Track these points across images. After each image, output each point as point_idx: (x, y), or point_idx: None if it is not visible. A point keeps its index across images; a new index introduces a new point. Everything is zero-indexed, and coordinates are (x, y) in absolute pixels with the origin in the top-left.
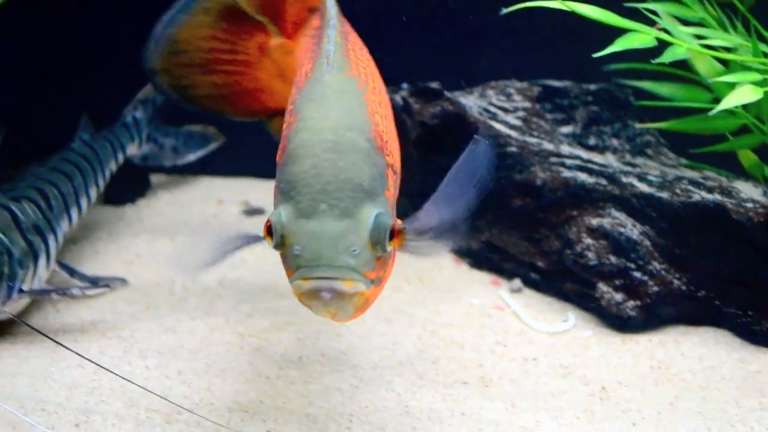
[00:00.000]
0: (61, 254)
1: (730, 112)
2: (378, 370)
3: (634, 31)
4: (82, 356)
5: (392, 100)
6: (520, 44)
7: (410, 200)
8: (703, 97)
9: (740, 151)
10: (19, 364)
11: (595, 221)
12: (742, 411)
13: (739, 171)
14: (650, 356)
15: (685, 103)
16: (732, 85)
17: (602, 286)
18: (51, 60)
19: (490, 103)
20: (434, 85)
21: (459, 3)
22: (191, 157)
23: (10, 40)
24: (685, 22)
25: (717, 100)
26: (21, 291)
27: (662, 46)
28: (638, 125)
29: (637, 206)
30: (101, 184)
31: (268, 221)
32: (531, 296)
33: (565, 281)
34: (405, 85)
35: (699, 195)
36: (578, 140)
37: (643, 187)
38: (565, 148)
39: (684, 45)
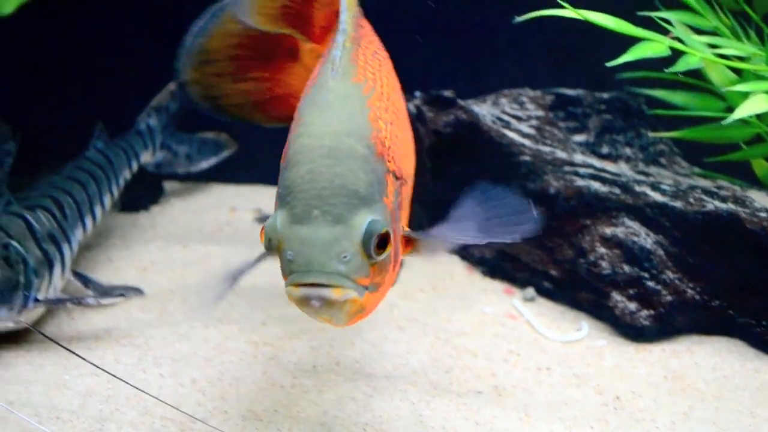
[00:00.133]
0: (75, 261)
1: (743, 122)
2: (392, 379)
3: (648, 40)
4: (95, 365)
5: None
6: (532, 52)
7: (423, 209)
8: (717, 106)
9: (754, 161)
10: (33, 372)
11: (608, 230)
12: (756, 421)
13: (753, 180)
14: (664, 366)
15: (699, 113)
16: (745, 95)
17: (616, 296)
18: (65, 67)
19: (503, 112)
20: (447, 93)
21: (472, 12)
22: (204, 164)
23: (25, 47)
24: (699, 31)
25: (730, 109)
26: (36, 300)
27: (675, 55)
28: (651, 134)
29: (650, 215)
30: (115, 192)
31: (263, 226)
32: (544, 305)
33: (578, 290)
34: (418, 94)
35: (713, 204)
36: (591, 149)
37: (656, 197)
38: (579, 157)
39: (698, 54)
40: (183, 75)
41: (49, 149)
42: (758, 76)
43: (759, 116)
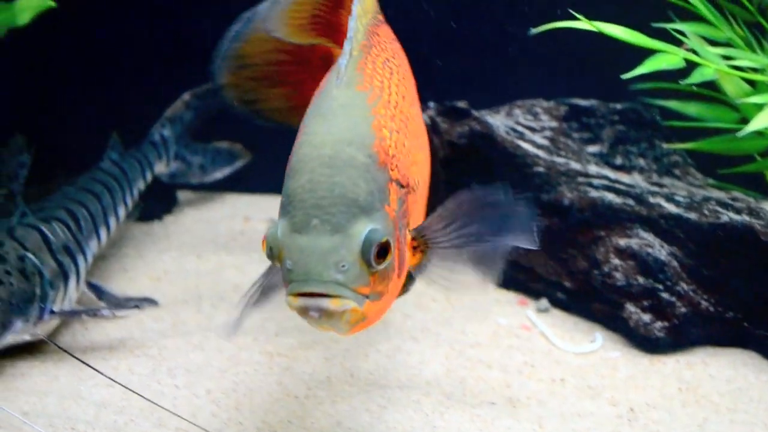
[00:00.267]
0: (89, 271)
1: (758, 133)
2: (405, 390)
3: (663, 52)
4: (110, 378)
5: None
6: (546, 63)
7: None
8: (730, 117)
9: None
10: (48, 383)
11: (622, 241)
12: None
13: (767, 192)
14: (678, 378)
15: (713, 124)
16: (760, 106)
17: (630, 307)
18: (81, 77)
19: (517, 123)
20: (461, 104)
21: (485, 22)
22: (218, 175)
23: (40, 58)
24: (713, 43)
25: (744, 120)
26: (52, 312)
27: (690, 65)
28: (666, 145)
29: (665, 227)
30: (129, 203)
31: (265, 235)
32: (558, 316)
33: (592, 301)
34: (432, 104)
35: (727, 216)
36: (605, 160)
37: (671, 208)
38: (593, 168)
39: (712, 66)
40: (218, 79)
41: (64, 159)
42: None
43: None
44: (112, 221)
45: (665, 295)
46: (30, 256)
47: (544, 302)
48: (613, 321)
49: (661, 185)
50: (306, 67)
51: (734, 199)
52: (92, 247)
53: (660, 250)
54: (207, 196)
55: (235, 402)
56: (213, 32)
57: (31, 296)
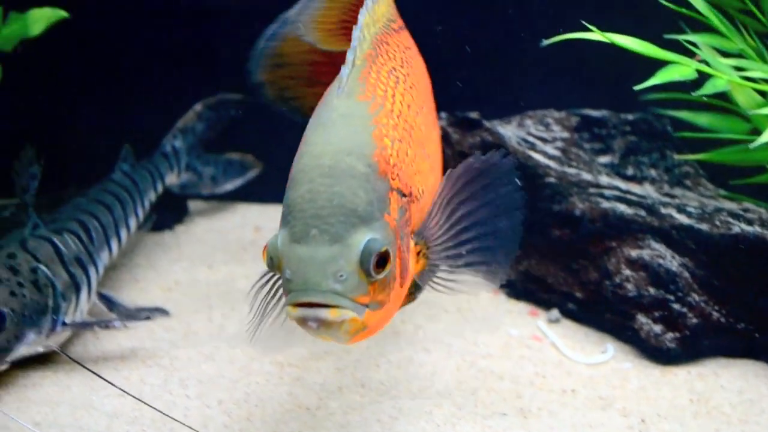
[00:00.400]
0: (100, 282)
1: None
2: (417, 400)
3: (675, 63)
4: (122, 390)
5: None
6: (557, 73)
7: None
8: (742, 127)
9: None
10: (60, 393)
11: (634, 252)
12: None
13: None
14: (689, 389)
15: (724, 135)
16: None
17: (641, 318)
18: (93, 87)
19: (529, 133)
20: (473, 115)
21: (497, 33)
22: (229, 186)
23: (53, 69)
24: (725, 54)
25: (756, 131)
26: (64, 324)
27: (701, 76)
28: (677, 156)
29: (676, 238)
30: (140, 214)
31: (266, 244)
32: (569, 327)
33: (603, 312)
34: (444, 115)
35: (739, 227)
36: (616, 170)
37: (682, 219)
38: (604, 179)
39: (724, 77)
40: (255, 76)
41: (76, 169)
42: None
43: None
44: (123, 233)
45: (676, 306)
46: (42, 267)
47: (555, 313)
48: (624, 332)
49: (672, 196)
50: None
51: (746, 210)
52: (103, 259)
53: (671, 261)
54: (218, 206)
55: (247, 413)
56: (227, 43)
57: (43, 308)
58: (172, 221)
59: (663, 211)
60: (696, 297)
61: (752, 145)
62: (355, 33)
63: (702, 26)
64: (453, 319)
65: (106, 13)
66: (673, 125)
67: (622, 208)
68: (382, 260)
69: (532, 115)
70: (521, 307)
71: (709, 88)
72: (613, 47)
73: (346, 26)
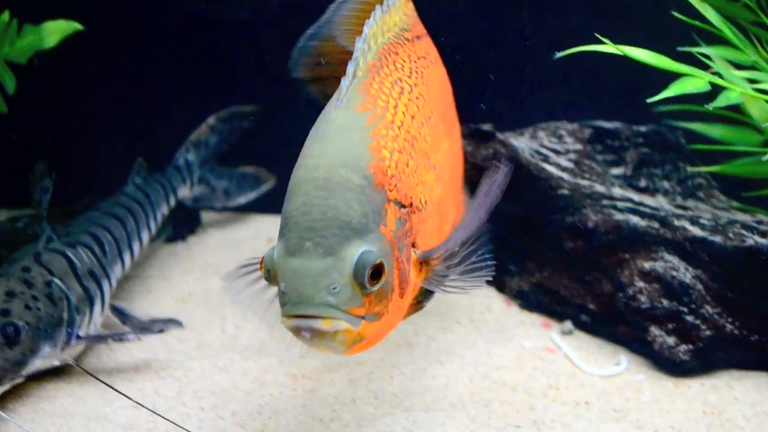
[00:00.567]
0: (113, 293)
1: None
2: (431, 412)
3: (688, 75)
4: (136, 402)
5: None
6: (570, 85)
7: None
8: (755, 139)
9: None
10: (74, 404)
11: (647, 264)
12: None
13: None
14: (703, 401)
15: (737, 147)
16: None
17: (654, 330)
18: (106, 99)
19: (542, 145)
20: (486, 127)
21: (508, 45)
22: (242, 199)
23: (66, 81)
24: (738, 66)
25: None
26: (78, 337)
27: (714, 88)
28: (690, 169)
29: (689, 250)
30: (153, 227)
31: (263, 257)
32: (582, 339)
33: (616, 324)
34: None
35: (752, 239)
36: (629, 182)
37: (695, 231)
38: (617, 191)
39: (737, 89)
40: (296, 73)
41: (90, 181)
42: None
43: None
44: (136, 246)
45: (690, 318)
46: (56, 281)
47: (568, 324)
48: (637, 344)
49: (685, 208)
50: None
51: (759, 222)
52: (116, 272)
53: (685, 273)
54: (231, 216)
55: (261, 425)
56: (241, 54)
57: (58, 321)
58: (185, 232)
59: (676, 223)
60: (709, 309)
61: (765, 158)
62: (358, 44)
63: (715, 38)
64: (466, 331)
65: (121, 25)
66: (686, 137)
67: (635, 220)
68: (377, 272)
69: (545, 126)
70: (534, 319)
71: (722, 101)
72: (626, 59)
73: None
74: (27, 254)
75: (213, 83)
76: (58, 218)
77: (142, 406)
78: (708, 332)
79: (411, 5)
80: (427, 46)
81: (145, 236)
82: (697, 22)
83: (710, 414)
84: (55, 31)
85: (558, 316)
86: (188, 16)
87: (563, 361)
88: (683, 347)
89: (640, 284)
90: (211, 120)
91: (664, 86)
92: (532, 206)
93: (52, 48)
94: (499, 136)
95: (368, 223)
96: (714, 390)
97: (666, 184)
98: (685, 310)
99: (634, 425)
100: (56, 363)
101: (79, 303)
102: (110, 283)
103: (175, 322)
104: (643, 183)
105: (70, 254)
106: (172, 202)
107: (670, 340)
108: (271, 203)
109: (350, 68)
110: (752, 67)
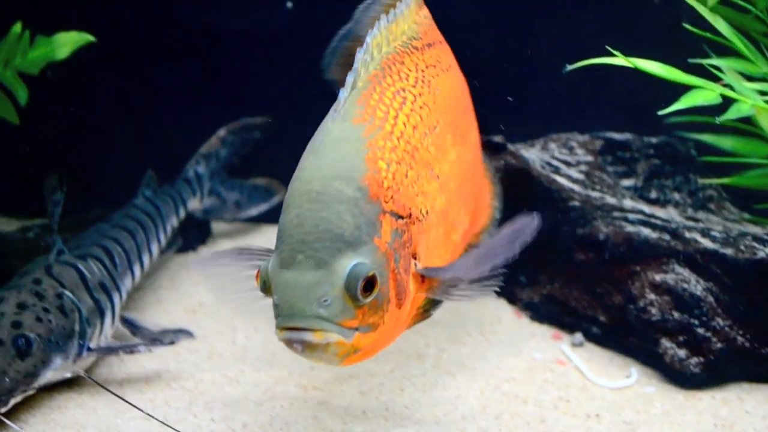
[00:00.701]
0: (124, 305)
1: None
2: (441, 425)
3: (699, 87)
4: (147, 414)
5: None
6: (580, 96)
7: None
8: (766, 151)
9: None
10: (86, 415)
11: (658, 277)
12: None
13: None
14: (714, 414)
15: (748, 159)
16: None
17: (665, 342)
18: (117, 111)
19: (553, 157)
20: (497, 138)
21: (518, 56)
22: (253, 211)
23: (77, 93)
24: (749, 78)
25: None
26: (89, 349)
27: (725, 100)
28: (701, 180)
29: (700, 262)
30: (163, 240)
31: (258, 268)
32: (593, 351)
33: (627, 336)
34: None
35: (764, 252)
36: (639, 193)
37: (707, 243)
38: (628, 203)
39: (748, 101)
40: (329, 73)
41: (101, 191)
42: None
43: None
44: (146, 258)
45: (701, 331)
46: (67, 293)
47: (578, 336)
48: (648, 356)
49: (696, 220)
50: None
51: None
52: (126, 284)
53: (696, 285)
54: (242, 227)
55: None
56: (252, 67)
57: (69, 333)
58: (196, 243)
59: (687, 235)
60: (720, 321)
61: None
62: (359, 55)
63: (726, 50)
64: (477, 342)
65: (132, 36)
66: (697, 149)
67: (646, 232)
68: (369, 284)
69: (555, 138)
70: (545, 331)
71: (733, 113)
72: (636, 71)
73: None
74: (38, 266)
75: (224, 95)
76: (71, 228)
77: (153, 417)
78: (719, 345)
79: (424, 12)
80: (438, 54)
81: (155, 248)
82: (708, 34)
83: (721, 427)
84: (67, 42)
85: (569, 327)
86: (201, 27)
87: (574, 374)
88: (694, 360)
89: (651, 296)
90: (222, 132)
91: (675, 97)
92: (542, 218)
93: (64, 59)
94: (510, 147)
95: (361, 236)
96: (725, 403)
97: (677, 196)
98: (696, 322)
99: None
100: (68, 375)
101: (90, 315)
102: (120, 296)
103: (185, 333)
104: (653, 194)
105: (80, 266)
106: (182, 214)
107: (681, 353)
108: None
109: (349, 79)
110: (763, 79)
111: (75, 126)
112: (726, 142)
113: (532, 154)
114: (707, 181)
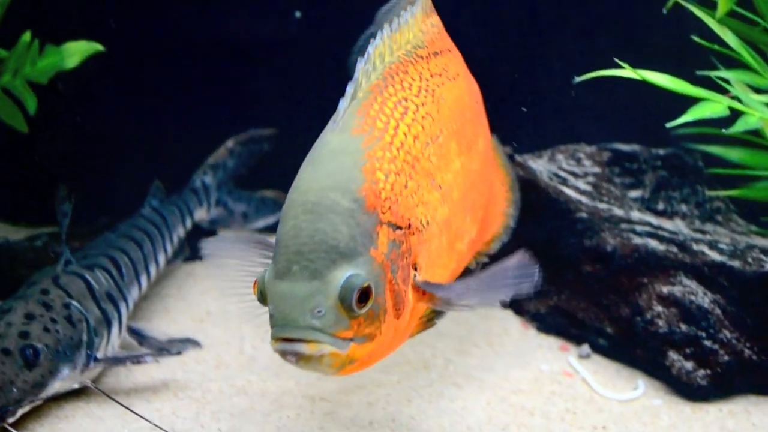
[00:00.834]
0: (130, 315)
1: None
2: None
3: (707, 100)
4: (155, 424)
5: None
6: (588, 107)
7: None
8: None
9: None
10: (93, 425)
11: (665, 289)
12: None
13: None
14: (721, 426)
15: (756, 171)
16: None
17: (672, 354)
18: (125, 120)
19: (560, 168)
20: (506, 149)
21: (526, 65)
22: (261, 223)
23: (86, 103)
24: (757, 90)
25: None
26: (96, 360)
27: (733, 112)
28: (709, 192)
29: (708, 274)
30: (169, 250)
31: (255, 279)
32: (599, 362)
33: (634, 348)
34: None
35: None
36: (647, 205)
37: (714, 256)
38: (635, 214)
39: (756, 114)
40: (352, 73)
41: (109, 200)
42: None
43: None
44: (153, 268)
45: (708, 343)
46: (75, 303)
47: (585, 348)
48: (655, 368)
49: (703, 232)
50: None
51: None
52: (134, 295)
53: (703, 297)
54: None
55: None
56: (259, 80)
57: (77, 343)
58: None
59: (695, 247)
60: (727, 334)
61: None
62: (359, 65)
63: (734, 62)
64: (483, 354)
65: (140, 46)
66: (705, 160)
67: (653, 244)
68: (364, 295)
69: (563, 149)
70: (552, 342)
71: (740, 125)
72: (645, 84)
73: None
74: (45, 277)
75: (232, 106)
76: (78, 237)
77: (160, 428)
78: (726, 357)
79: (433, 20)
80: (446, 62)
81: (162, 259)
82: (716, 46)
83: None
84: (76, 51)
85: (576, 339)
86: (209, 38)
87: (581, 385)
88: (701, 372)
89: (659, 308)
90: (230, 143)
91: (682, 109)
92: (550, 229)
93: (73, 69)
94: (518, 158)
95: (356, 247)
96: (732, 415)
97: (684, 208)
98: (703, 334)
99: None
100: (75, 385)
101: (98, 325)
102: (128, 305)
103: (193, 342)
104: (661, 206)
105: (88, 277)
106: (189, 224)
107: (688, 365)
108: None
109: (349, 89)
110: None
111: (83, 135)
112: (734, 154)
113: (540, 166)
114: (715, 193)
